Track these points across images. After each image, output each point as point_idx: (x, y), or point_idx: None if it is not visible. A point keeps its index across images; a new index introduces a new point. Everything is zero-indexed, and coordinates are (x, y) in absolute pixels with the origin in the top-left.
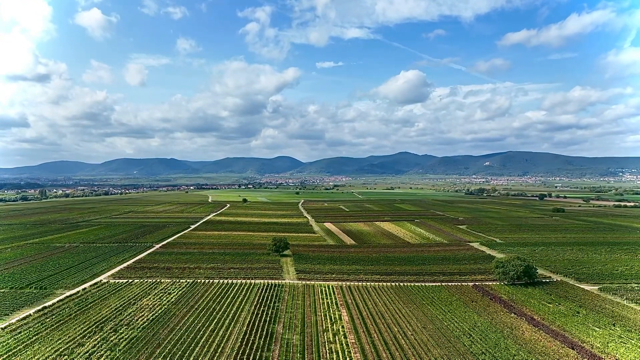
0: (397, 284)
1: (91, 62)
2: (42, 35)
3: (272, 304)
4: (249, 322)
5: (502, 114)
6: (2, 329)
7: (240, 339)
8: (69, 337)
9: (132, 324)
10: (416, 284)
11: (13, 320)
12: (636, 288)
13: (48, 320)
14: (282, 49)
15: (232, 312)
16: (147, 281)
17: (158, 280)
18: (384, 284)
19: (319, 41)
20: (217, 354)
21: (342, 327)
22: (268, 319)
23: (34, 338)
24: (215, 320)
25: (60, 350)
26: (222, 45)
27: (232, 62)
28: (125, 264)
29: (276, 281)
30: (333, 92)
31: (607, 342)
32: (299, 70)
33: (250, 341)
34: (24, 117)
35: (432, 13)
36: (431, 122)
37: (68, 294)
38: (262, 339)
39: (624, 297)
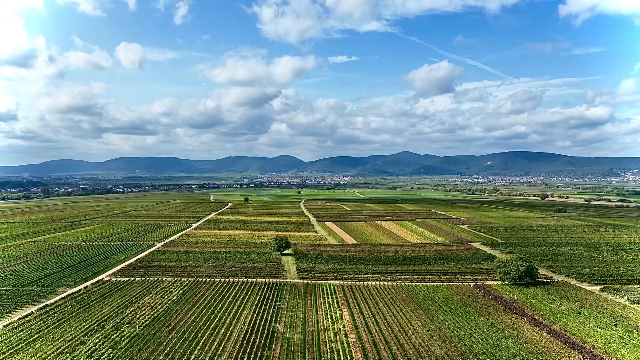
0: (398, 283)
1: (85, 49)
2: (27, 4)
3: (273, 303)
4: (250, 321)
5: (524, 110)
6: (4, 326)
7: (241, 338)
8: (70, 335)
9: (134, 322)
10: (417, 283)
11: (15, 318)
12: (638, 289)
13: (50, 318)
14: (294, 32)
15: (234, 310)
16: (148, 279)
17: (159, 278)
18: (385, 283)
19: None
20: (219, 353)
21: (343, 326)
22: (269, 317)
23: (35, 336)
24: (217, 319)
25: (62, 348)
26: (230, 31)
27: (240, 49)
28: (126, 263)
29: (277, 280)
30: (346, 87)
31: (609, 343)
32: (312, 61)
33: (251, 340)
34: (11, 110)
35: (456, 4)
36: (452, 116)
37: (70, 292)
38: (263, 338)
39: (626, 298)
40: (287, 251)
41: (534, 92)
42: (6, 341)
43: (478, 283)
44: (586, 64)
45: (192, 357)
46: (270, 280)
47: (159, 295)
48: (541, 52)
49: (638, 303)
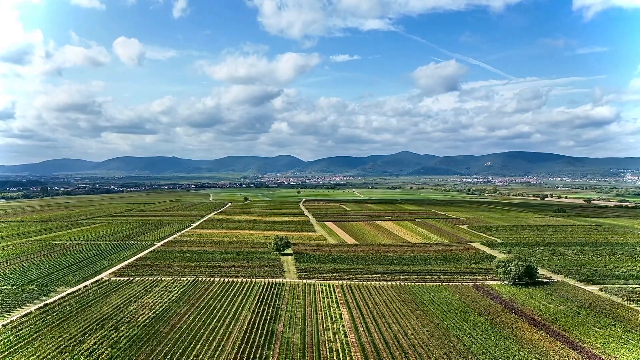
0: (397, 283)
1: (82, 44)
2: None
3: (272, 303)
4: (250, 320)
5: (529, 109)
6: (3, 325)
7: (240, 338)
8: (69, 334)
9: (133, 322)
10: (417, 283)
11: (14, 317)
12: (637, 289)
13: (49, 317)
14: (296, 26)
15: (233, 310)
16: (148, 279)
17: (159, 278)
18: (385, 283)
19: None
20: (218, 352)
21: (343, 326)
22: (269, 317)
23: (35, 335)
24: (216, 319)
25: (61, 347)
26: (230, 25)
27: (242, 45)
28: (126, 262)
29: (277, 280)
30: (348, 86)
31: (608, 343)
32: (315, 58)
33: (251, 339)
34: (7, 108)
35: (459, 2)
36: (456, 115)
37: (69, 291)
38: (263, 338)
39: (625, 298)
40: (286, 251)
41: (540, 91)
42: (5, 340)
43: (477, 283)
44: (593, 63)
45: (192, 356)
46: (270, 280)
47: (159, 295)
48: (547, 50)
49: (637, 303)
